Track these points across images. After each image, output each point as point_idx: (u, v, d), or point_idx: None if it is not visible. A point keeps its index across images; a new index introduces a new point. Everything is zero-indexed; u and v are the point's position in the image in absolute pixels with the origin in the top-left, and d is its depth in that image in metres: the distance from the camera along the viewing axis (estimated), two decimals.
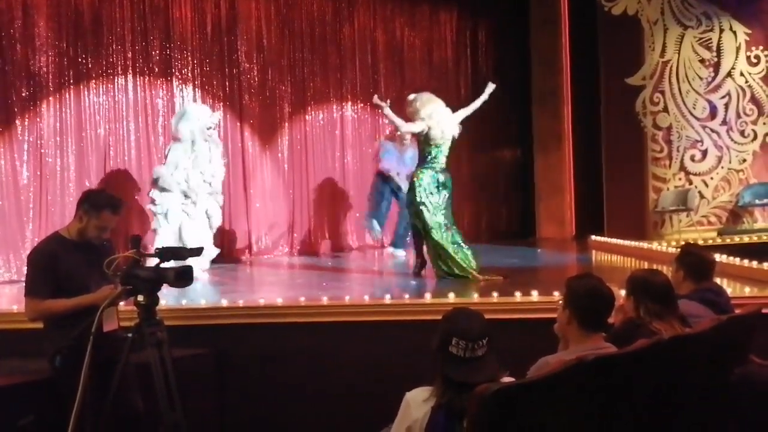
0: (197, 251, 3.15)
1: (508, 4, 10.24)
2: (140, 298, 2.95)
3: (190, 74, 7.50)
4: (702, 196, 8.70)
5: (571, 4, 9.65)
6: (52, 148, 6.59)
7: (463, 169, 9.88)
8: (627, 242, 7.29)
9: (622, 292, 3.01)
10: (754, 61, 8.69)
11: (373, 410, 3.27)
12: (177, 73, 7.42)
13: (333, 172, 8.62)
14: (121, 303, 3.16)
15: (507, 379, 2.14)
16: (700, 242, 7.34)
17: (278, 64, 8.19)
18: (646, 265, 5.68)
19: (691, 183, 8.70)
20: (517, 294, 4.24)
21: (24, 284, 3.23)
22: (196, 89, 7.53)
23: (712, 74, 8.73)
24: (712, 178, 8.75)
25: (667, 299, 2.76)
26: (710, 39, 8.71)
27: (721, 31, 8.69)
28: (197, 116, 6.46)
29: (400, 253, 7.65)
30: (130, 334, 2.96)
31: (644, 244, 7.16)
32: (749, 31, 8.64)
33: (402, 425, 2.12)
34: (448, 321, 2.16)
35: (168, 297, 4.02)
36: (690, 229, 8.48)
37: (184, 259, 3.10)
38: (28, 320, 3.25)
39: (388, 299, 4.39)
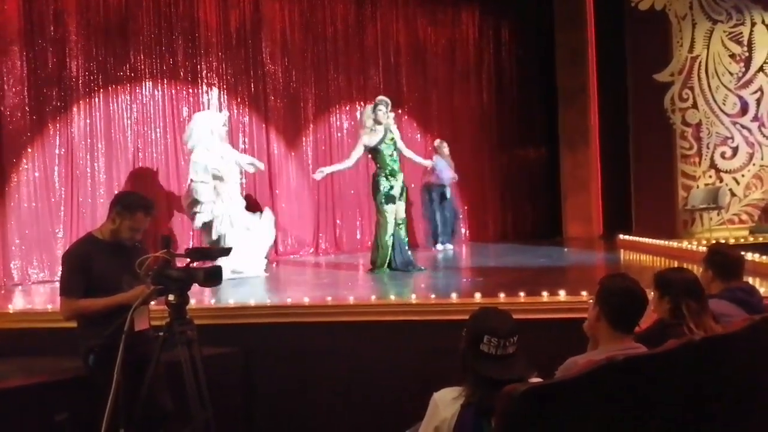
0: (227, 251, 3.19)
1: (531, 2, 10.17)
2: (171, 297, 2.99)
3: (215, 77, 7.61)
4: (733, 194, 8.53)
5: (597, 0, 9.53)
6: (83, 151, 6.73)
7: (487, 168, 9.86)
8: (656, 241, 7.18)
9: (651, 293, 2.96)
10: None
11: (398, 409, 3.28)
12: (203, 76, 7.52)
13: (357, 173, 8.63)
14: (152, 302, 3.21)
15: (535, 379, 2.13)
16: (732, 241, 7.21)
17: (302, 65, 8.25)
18: (676, 265, 5.59)
19: (721, 180, 8.54)
20: (545, 294, 4.21)
21: (59, 284, 3.30)
22: (222, 91, 7.63)
23: (743, 69, 8.54)
24: (743, 176, 8.57)
25: (702, 297, 2.72)
26: (741, 33, 8.53)
27: (753, 24, 8.51)
28: (211, 119, 6.42)
29: (450, 247, 8.43)
30: (161, 333, 3.01)
31: (674, 243, 7.05)
32: None
33: (430, 425, 2.11)
34: (478, 320, 2.15)
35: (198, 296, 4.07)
36: (721, 228, 8.31)
37: (214, 259, 3.14)
38: (63, 319, 3.31)
39: (414, 299, 4.39)
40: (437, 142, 8.64)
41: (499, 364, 2.05)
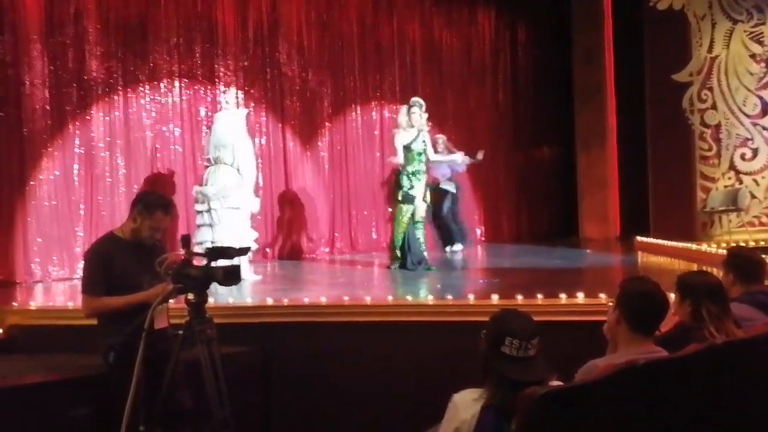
0: (245, 250, 3.21)
1: (548, 2, 10.12)
2: (190, 296, 3.02)
3: (233, 77, 7.65)
4: (753, 196, 8.41)
5: None
6: (102, 150, 6.81)
7: (502, 168, 9.83)
8: (674, 243, 7.11)
9: (672, 296, 2.94)
10: None
11: (415, 409, 3.28)
12: (220, 76, 7.57)
13: (372, 172, 8.68)
14: (171, 301, 3.24)
15: (555, 382, 2.12)
16: (752, 244, 7.12)
17: (318, 65, 8.29)
18: (695, 268, 5.55)
19: (741, 182, 8.42)
20: (563, 296, 4.19)
21: (81, 282, 3.35)
22: (239, 91, 7.67)
23: (764, 70, 8.42)
24: (763, 177, 8.44)
25: (724, 300, 2.70)
26: (762, 33, 8.41)
27: None
28: (239, 117, 6.50)
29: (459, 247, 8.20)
30: (180, 332, 3.04)
31: (693, 246, 6.97)
32: None
33: (450, 426, 2.11)
34: (499, 321, 2.15)
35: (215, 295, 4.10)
36: (740, 230, 8.20)
37: (232, 258, 3.16)
38: (84, 316, 3.35)
39: (431, 300, 4.39)
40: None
41: (520, 366, 2.05)
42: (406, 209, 6.25)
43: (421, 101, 6.48)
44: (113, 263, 3.21)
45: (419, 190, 6.27)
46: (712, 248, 6.60)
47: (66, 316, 4.25)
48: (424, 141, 6.34)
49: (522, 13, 10.07)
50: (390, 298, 4.61)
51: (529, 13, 10.11)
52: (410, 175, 6.25)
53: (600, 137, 9.67)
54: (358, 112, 8.66)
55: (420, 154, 6.28)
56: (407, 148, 6.28)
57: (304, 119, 8.22)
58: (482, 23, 9.76)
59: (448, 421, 2.12)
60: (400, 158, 6.35)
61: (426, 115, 6.48)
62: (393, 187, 6.47)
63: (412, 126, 6.32)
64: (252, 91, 7.80)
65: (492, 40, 9.81)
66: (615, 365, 2.15)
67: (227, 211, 6.04)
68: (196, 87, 7.44)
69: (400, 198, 6.29)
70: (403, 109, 6.54)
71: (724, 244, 7.04)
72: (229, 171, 6.12)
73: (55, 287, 6.10)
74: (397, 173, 6.41)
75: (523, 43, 10.12)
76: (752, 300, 3.04)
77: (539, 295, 4.23)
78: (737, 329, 2.64)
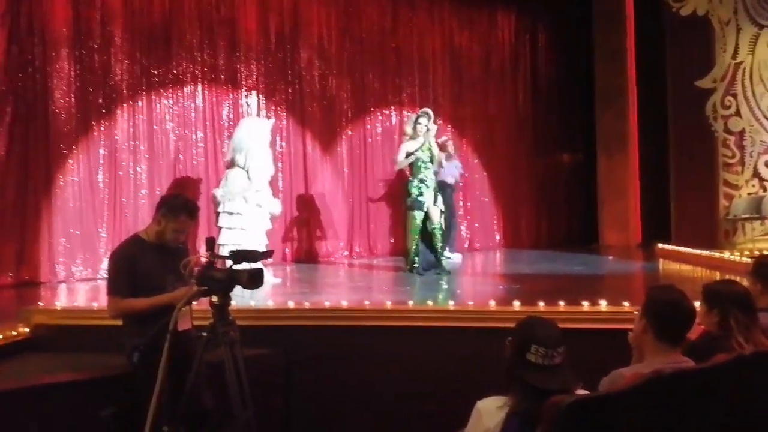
0: (269, 254, 3.23)
1: (569, 5, 10.08)
2: (214, 298, 3.04)
3: (254, 82, 7.72)
4: None
5: (637, 3, 9.40)
6: (126, 153, 6.90)
7: (521, 173, 9.79)
8: (696, 251, 7.02)
9: (697, 304, 2.90)
10: None
11: (436, 414, 3.29)
12: (242, 81, 7.64)
13: (392, 176, 8.68)
14: (195, 303, 3.26)
15: (581, 391, 2.11)
16: None
17: (339, 70, 8.33)
18: (717, 276, 5.48)
19: (765, 190, 8.31)
20: (585, 303, 4.16)
21: (106, 284, 3.39)
22: (260, 96, 7.74)
23: None
24: None
25: (752, 310, 2.66)
26: None
27: None
28: (264, 126, 6.50)
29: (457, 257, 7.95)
30: (204, 333, 3.06)
31: (716, 254, 6.88)
32: None
33: None
34: (525, 328, 2.14)
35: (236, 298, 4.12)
36: (764, 238, 8.09)
37: (256, 261, 3.18)
38: (109, 317, 3.40)
39: (452, 305, 4.38)
40: (442, 139, 8.04)
41: (545, 374, 2.04)
42: (414, 216, 6.31)
43: (430, 113, 6.48)
44: (137, 265, 3.25)
45: (429, 196, 6.29)
46: (735, 256, 6.51)
47: (91, 316, 4.30)
48: (429, 149, 6.34)
49: (542, 16, 10.03)
50: (410, 303, 4.61)
51: (549, 16, 10.08)
52: (419, 183, 6.29)
53: (621, 142, 9.59)
54: (378, 116, 8.69)
55: (425, 162, 6.30)
56: (412, 155, 6.34)
57: (324, 123, 8.27)
58: (502, 26, 9.75)
59: (472, 429, 2.11)
60: (401, 164, 6.44)
61: (435, 127, 6.51)
62: (403, 195, 6.52)
63: (417, 136, 6.36)
64: (273, 95, 7.86)
65: (512, 43, 9.79)
66: (641, 375, 2.13)
67: (231, 215, 6.02)
68: (218, 91, 7.52)
69: (408, 205, 6.36)
70: (411, 117, 6.60)
71: (747, 252, 6.95)
72: (240, 174, 6.09)
73: (78, 287, 6.19)
74: (407, 181, 6.44)
75: (543, 47, 10.08)
76: None
77: (561, 302, 4.21)
78: (766, 339, 2.60)
